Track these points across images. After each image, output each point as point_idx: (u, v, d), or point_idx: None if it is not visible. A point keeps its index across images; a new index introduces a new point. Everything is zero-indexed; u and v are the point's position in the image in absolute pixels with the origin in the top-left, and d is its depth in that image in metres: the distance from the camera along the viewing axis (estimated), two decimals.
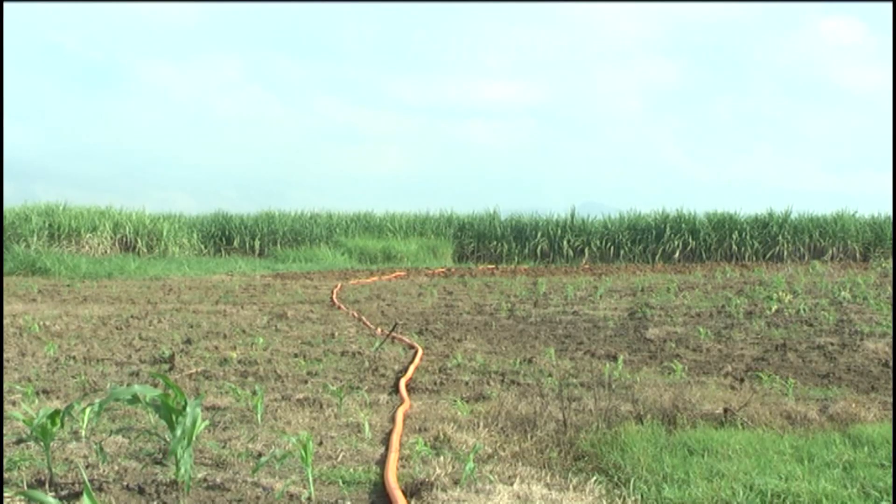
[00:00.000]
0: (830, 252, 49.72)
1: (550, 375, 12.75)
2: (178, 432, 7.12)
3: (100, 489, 7.07)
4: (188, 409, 7.28)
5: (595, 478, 7.61)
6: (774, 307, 22.18)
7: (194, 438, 7.33)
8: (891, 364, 14.12)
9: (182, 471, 7.05)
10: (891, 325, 18.62)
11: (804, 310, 21.73)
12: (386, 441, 8.78)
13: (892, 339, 16.33)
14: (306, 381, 12.14)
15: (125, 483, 7.21)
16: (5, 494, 6.77)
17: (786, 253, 49.64)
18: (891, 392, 11.55)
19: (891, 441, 8.81)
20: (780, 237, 50.15)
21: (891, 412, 10.37)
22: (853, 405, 10.42)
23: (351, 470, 7.81)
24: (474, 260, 50.71)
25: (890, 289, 28.27)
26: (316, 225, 53.35)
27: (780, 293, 25.22)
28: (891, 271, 37.57)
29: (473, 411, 10.19)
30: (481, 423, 9.53)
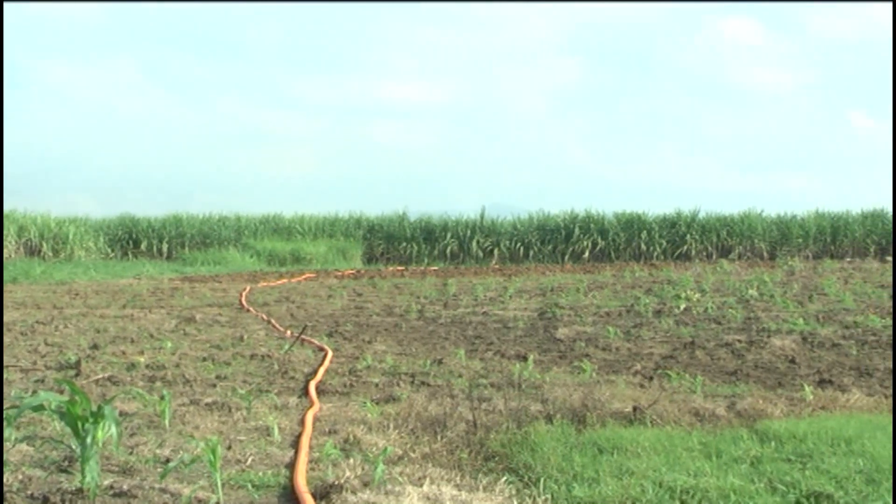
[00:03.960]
0: (738, 251, 50.32)
1: (460, 376, 12.76)
2: (85, 440, 7.01)
3: (2, 499, 6.94)
4: (97, 415, 7.17)
5: (505, 478, 7.62)
6: (683, 306, 22.39)
7: (101, 445, 7.23)
8: (797, 360, 14.32)
9: (88, 478, 6.94)
10: (797, 322, 18.87)
11: (712, 308, 21.96)
12: (295, 444, 8.72)
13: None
14: (215, 385, 12.03)
15: (29, 492, 7.08)
16: None
17: (694, 252, 50.15)
18: (797, 388, 11.69)
19: (797, 436, 8.91)
20: (688, 236, 50.67)
21: (797, 407, 10.52)
22: (760, 401, 10.54)
23: (260, 474, 7.75)
24: (384, 261, 50.64)
25: (796, 286, 28.68)
26: (224, 227, 52.96)
27: (689, 292, 25.45)
28: (797, 269, 38.14)
29: (383, 413, 10.16)
30: (391, 425, 9.50)
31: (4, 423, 7.89)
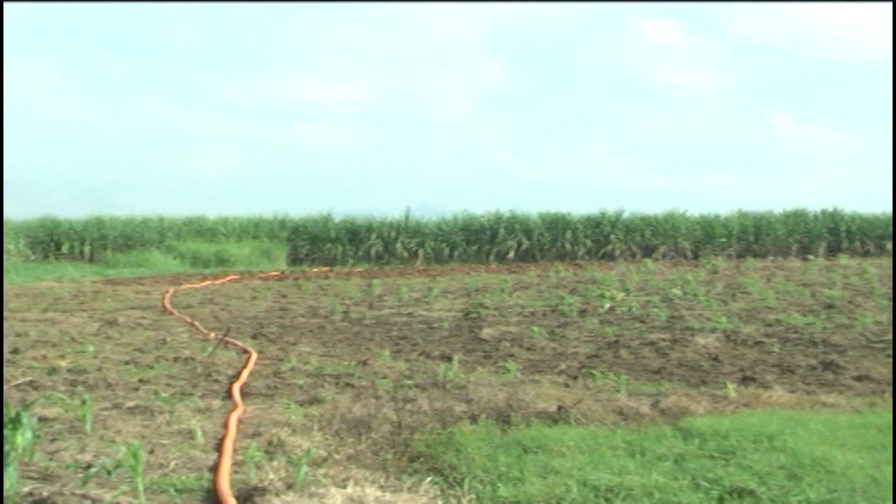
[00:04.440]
0: (662, 250, 50.63)
1: (385, 377, 12.71)
2: (2, 446, 6.89)
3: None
4: (15, 421, 7.06)
5: (430, 478, 7.59)
6: (607, 305, 22.52)
7: (20, 451, 7.11)
8: (720, 358, 14.43)
9: (7, 486, 6.82)
10: (720, 320, 19.04)
11: (636, 307, 22.09)
12: (219, 447, 8.63)
13: None
14: (138, 389, 11.88)
15: None
16: None
17: (618, 251, 50.41)
18: (720, 385, 11.78)
19: (720, 433, 8.97)
20: (612, 236, 50.96)
21: (720, 405, 10.60)
22: (684, 399, 10.60)
23: (183, 478, 7.66)
24: (308, 262, 50.39)
25: (719, 285, 28.94)
26: (147, 229, 52.41)
27: (613, 291, 25.61)
28: (720, 268, 38.48)
29: (308, 415, 10.10)
30: (316, 427, 9.45)
31: None
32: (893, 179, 52.55)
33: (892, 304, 21.26)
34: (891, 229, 52.42)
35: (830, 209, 54.37)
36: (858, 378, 12.64)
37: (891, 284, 27.99)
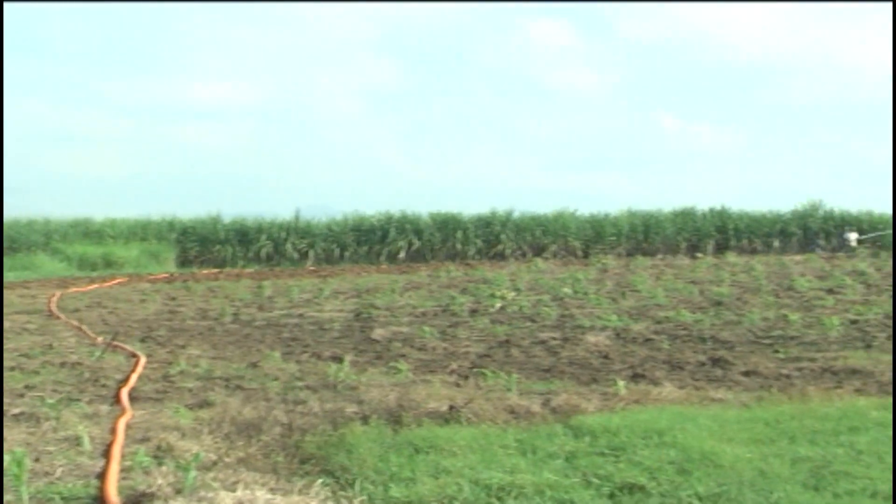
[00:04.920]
0: (552, 249, 50.88)
1: (276, 379, 12.61)
2: None
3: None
4: None
5: (321, 480, 7.54)
6: (498, 304, 22.59)
7: None
8: (610, 356, 14.55)
9: None
10: (610, 318, 19.19)
11: (527, 306, 22.19)
12: (107, 453, 8.47)
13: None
14: (23, 395, 11.60)
15: None
16: None
17: (509, 251, 50.56)
18: (610, 383, 11.86)
19: (610, 430, 9.03)
20: (503, 236, 51.08)
21: (610, 402, 10.67)
22: (575, 397, 10.66)
23: (69, 485, 7.51)
24: (198, 264, 49.81)
25: (609, 283, 29.19)
26: (32, 231, 51.33)
27: (504, 291, 25.69)
28: (610, 267, 38.82)
29: (197, 418, 9.97)
30: (205, 430, 9.34)
31: None
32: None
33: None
34: (777, 227, 53.39)
35: (718, 208, 55.17)
36: (746, 373, 12.83)
37: (777, 281, 28.49)
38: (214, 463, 8.09)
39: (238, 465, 8.03)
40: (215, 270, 45.18)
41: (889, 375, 12.42)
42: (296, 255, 50.20)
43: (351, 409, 10.12)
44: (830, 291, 24.60)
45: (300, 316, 21.57)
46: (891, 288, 25.36)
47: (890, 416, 9.61)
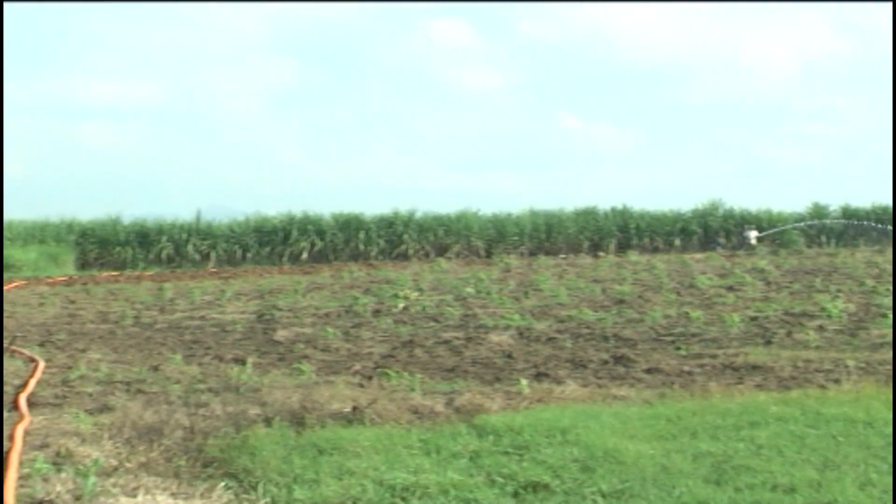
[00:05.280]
0: (455, 249, 50.90)
1: (178, 382, 12.47)
2: None
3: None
4: None
5: (224, 483, 7.48)
6: (401, 305, 22.57)
7: None
8: (514, 355, 14.59)
9: None
10: (513, 317, 19.25)
11: (430, 306, 22.20)
12: (4, 461, 8.31)
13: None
14: None
15: None
16: None
17: (412, 251, 50.52)
18: (514, 382, 11.89)
19: (514, 429, 9.06)
20: (405, 236, 51.02)
21: (514, 401, 10.70)
22: (478, 396, 10.67)
23: None
24: (98, 267, 49.12)
25: (512, 283, 29.30)
26: None
27: (407, 291, 25.70)
28: (513, 266, 38.96)
29: (98, 423, 9.82)
30: (106, 436, 9.19)
31: None
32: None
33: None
34: (678, 226, 53.98)
35: (620, 207, 55.57)
36: (648, 371, 12.93)
37: (679, 279, 28.81)
38: (115, 468, 7.98)
39: (139, 471, 7.92)
40: (115, 273, 44.60)
41: (789, 371, 12.63)
42: (197, 257, 49.73)
43: (254, 411, 10.05)
44: (731, 289, 24.91)
45: (202, 318, 21.38)
46: (790, 285, 25.77)
47: (789, 411, 9.76)
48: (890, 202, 55.53)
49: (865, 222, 54.37)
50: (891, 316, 16.97)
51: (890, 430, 8.95)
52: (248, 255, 50.12)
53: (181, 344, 16.83)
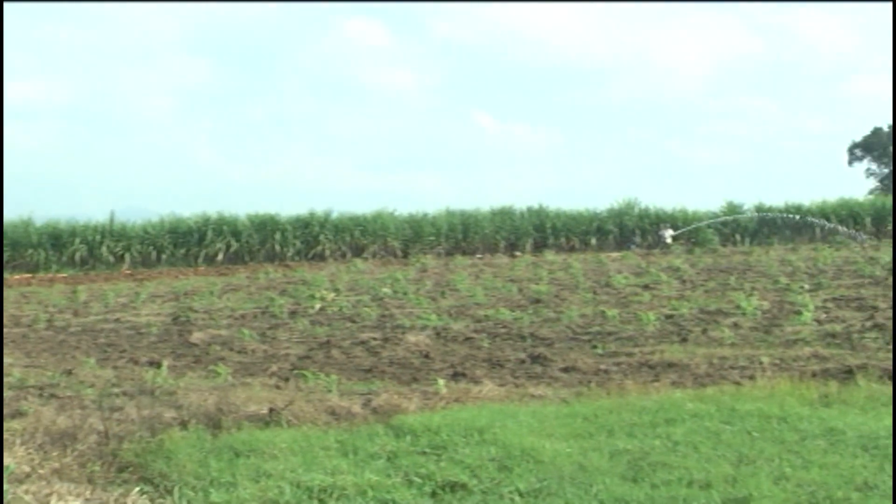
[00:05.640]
0: (371, 249, 50.82)
1: (92, 386, 12.32)
2: None
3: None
4: None
5: (139, 488, 7.39)
6: (318, 306, 22.51)
7: None
8: (431, 355, 14.60)
9: None
10: (430, 317, 19.27)
11: (347, 307, 22.16)
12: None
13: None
14: None
15: None
16: None
17: (328, 252, 50.35)
18: (431, 382, 11.90)
19: (431, 429, 9.05)
20: (321, 236, 50.84)
21: (431, 401, 10.70)
22: (396, 397, 10.66)
23: None
24: (9, 269, 48.38)
25: (429, 283, 29.33)
26: None
27: (323, 292, 25.64)
28: (430, 266, 38.98)
29: (9, 429, 9.65)
30: (18, 441, 9.04)
31: None
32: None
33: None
34: (594, 225, 54.32)
35: (536, 207, 55.81)
36: (565, 369, 13.01)
37: (595, 278, 28.99)
38: (27, 475, 7.85)
39: (52, 477, 7.80)
40: (27, 275, 44.01)
41: (705, 368, 12.76)
42: (111, 259, 49.20)
43: (169, 414, 9.95)
44: (647, 287, 25.11)
45: (116, 321, 21.17)
46: (705, 283, 26.04)
47: (705, 407, 9.85)
48: (802, 201, 56.58)
49: (809, 218, 55.07)
50: (805, 313, 17.22)
51: (804, 424, 9.09)
52: (163, 256, 49.70)
53: (95, 347, 16.66)
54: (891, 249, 40.05)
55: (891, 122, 71.40)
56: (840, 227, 53.37)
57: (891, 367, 12.32)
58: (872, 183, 71.84)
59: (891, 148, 70.13)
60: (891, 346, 14.29)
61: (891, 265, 30.10)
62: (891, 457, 7.95)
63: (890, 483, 7.22)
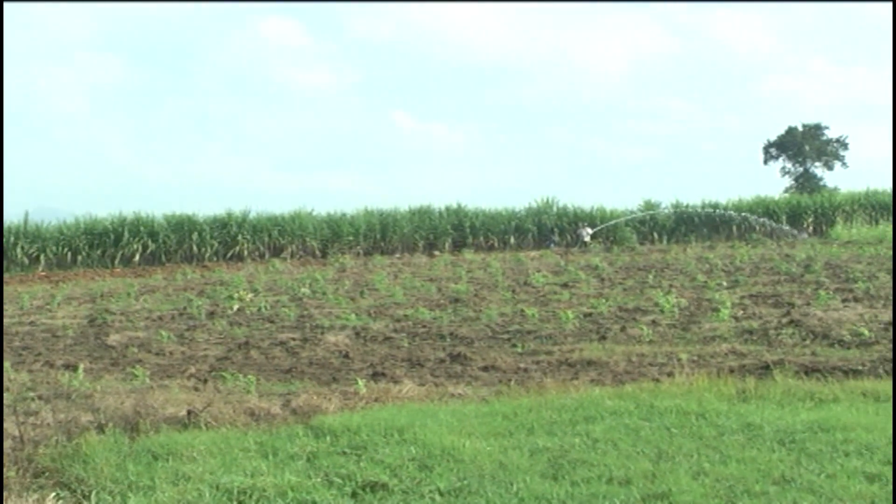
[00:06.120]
0: (290, 249, 50.55)
1: (7, 390, 12.13)
2: None
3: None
4: None
5: (55, 493, 7.30)
6: (236, 306, 22.36)
7: None
8: (351, 355, 14.58)
9: None
10: (349, 317, 19.24)
11: (266, 307, 22.04)
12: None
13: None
14: None
15: None
16: None
17: (246, 252, 50.03)
18: (351, 382, 11.89)
19: (351, 429, 9.05)
20: (239, 237, 50.49)
21: (351, 401, 10.69)
22: (315, 397, 10.63)
23: None
24: None
25: (348, 283, 29.26)
26: None
27: (242, 292, 25.47)
28: (349, 266, 38.93)
29: None
30: None
31: None
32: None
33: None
34: (513, 224, 54.46)
35: (454, 206, 55.86)
36: (485, 368, 13.05)
37: (514, 277, 29.11)
38: None
39: None
40: None
41: (624, 365, 12.86)
42: (26, 261, 48.55)
43: (86, 418, 9.84)
44: (566, 286, 25.24)
45: (31, 323, 20.87)
46: (623, 282, 26.25)
47: (624, 404, 9.94)
48: (719, 199, 57.30)
49: (733, 213, 55.70)
50: (722, 310, 17.41)
51: (722, 420, 9.20)
52: (79, 258, 49.04)
53: (10, 351, 16.39)
54: (807, 246, 40.73)
55: (804, 122, 72.62)
56: (784, 227, 54.16)
57: (806, 363, 12.54)
58: (788, 181, 72.85)
59: (806, 147, 71.27)
60: (807, 343, 14.53)
61: (806, 262, 30.59)
62: (807, 451, 8.08)
63: (807, 476, 7.34)
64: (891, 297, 19.68)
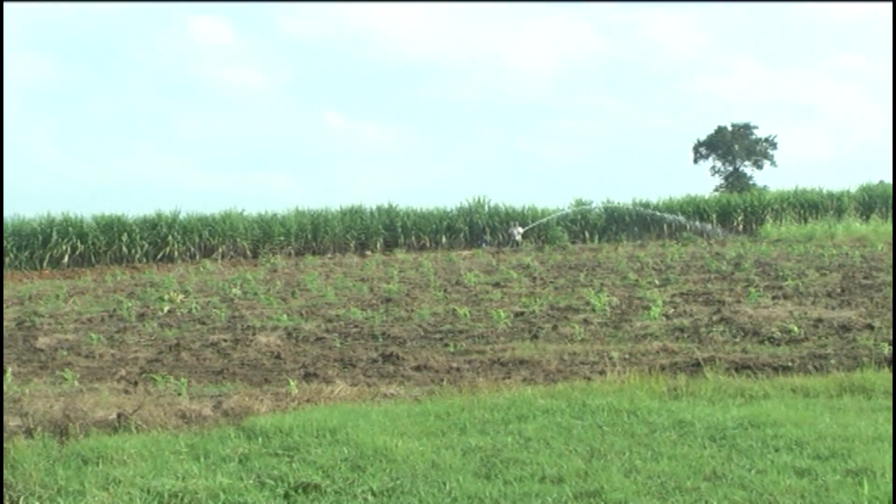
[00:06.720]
0: (221, 250, 50.33)
1: None
2: None
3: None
4: None
5: None
6: (167, 308, 22.20)
7: None
8: (282, 356, 14.53)
9: None
10: (281, 318, 19.18)
11: (196, 309, 21.92)
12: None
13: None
14: None
15: None
16: None
17: (177, 253, 49.71)
18: (283, 383, 11.85)
19: (283, 430, 9.02)
20: (170, 237, 50.15)
21: (283, 402, 10.65)
22: (247, 399, 10.58)
23: None
24: None
25: (279, 283, 29.16)
26: None
27: (172, 293, 25.32)
28: (280, 266, 38.79)
29: None
30: None
31: None
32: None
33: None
34: (444, 223, 54.51)
35: (386, 206, 55.84)
36: (417, 368, 13.05)
37: (446, 277, 29.13)
38: None
39: None
40: None
41: (556, 364, 12.92)
42: None
43: (14, 422, 9.72)
44: (497, 285, 25.31)
45: None
46: (555, 280, 26.36)
47: (556, 403, 9.98)
48: (650, 198, 57.72)
49: (666, 214, 56.14)
50: (654, 308, 17.53)
51: (654, 417, 9.27)
52: (6, 259, 48.52)
53: None
54: (737, 245, 41.13)
55: (733, 121, 73.36)
56: (710, 226, 54.69)
57: (737, 360, 12.67)
58: (718, 180, 73.56)
59: (735, 146, 72.03)
60: (737, 340, 14.67)
61: (736, 260, 30.89)
62: (738, 447, 8.16)
63: (738, 472, 7.41)
64: (819, 295, 19.94)
